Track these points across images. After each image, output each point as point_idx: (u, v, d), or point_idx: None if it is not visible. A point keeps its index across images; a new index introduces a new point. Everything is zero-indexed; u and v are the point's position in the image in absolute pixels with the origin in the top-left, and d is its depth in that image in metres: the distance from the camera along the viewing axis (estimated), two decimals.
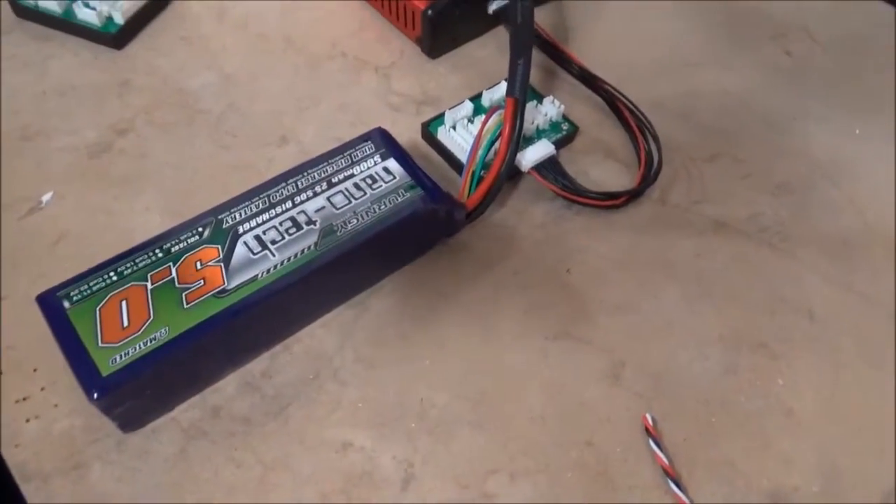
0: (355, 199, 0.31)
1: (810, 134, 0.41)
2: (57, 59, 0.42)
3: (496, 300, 0.33)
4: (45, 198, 0.35)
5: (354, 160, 0.32)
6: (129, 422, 0.28)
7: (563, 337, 0.32)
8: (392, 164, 0.32)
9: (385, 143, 0.33)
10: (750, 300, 0.34)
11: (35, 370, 0.30)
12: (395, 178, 0.32)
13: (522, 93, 0.34)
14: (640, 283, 0.34)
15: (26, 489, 0.27)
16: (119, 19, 0.42)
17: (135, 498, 0.27)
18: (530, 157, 0.36)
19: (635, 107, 0.40)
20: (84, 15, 0.42)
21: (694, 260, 0.35)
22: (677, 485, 0.28)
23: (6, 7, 0.43)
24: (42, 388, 0.29)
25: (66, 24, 0.42)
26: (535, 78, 0.41)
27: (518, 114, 0.34)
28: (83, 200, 0.35)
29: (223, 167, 0.37)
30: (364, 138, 0.33)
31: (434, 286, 0.33)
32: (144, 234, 0.30)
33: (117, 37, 0.42)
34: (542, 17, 0.46)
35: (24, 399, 0.29)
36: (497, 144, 0.35)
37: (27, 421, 0.29)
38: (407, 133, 0.39)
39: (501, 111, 0.35)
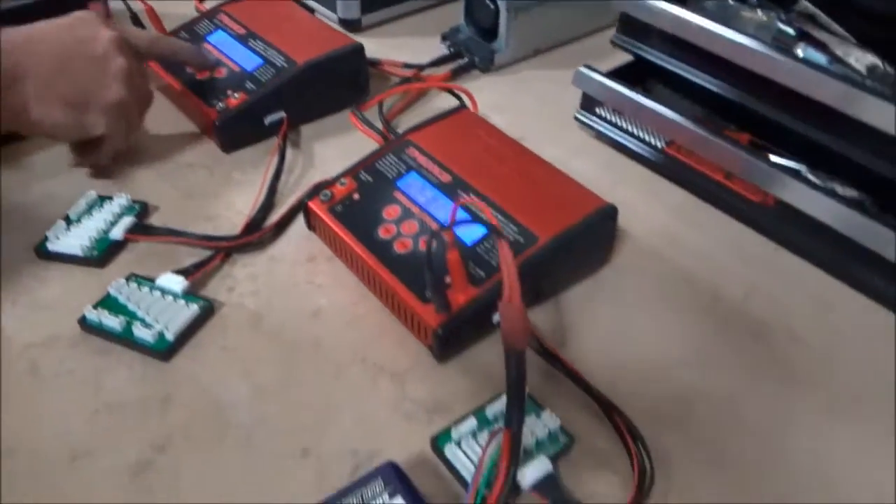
0: None
1: (799, 438, 0.44)
2: (111, 373, 0.47)
3: None
4: None
5: (365, 499, 0.36)
6: None
7: None
8: (398, 500, 0.35)
9: (394, 477, 0.36)
10: None
11: None
12: None
13: (518, 424, 0.38)
14: None
15: None
16: (170, 336, 0.48)
17: None
18: (529, 477, 0.39)
19: (628, 419, 0.43)
20: (140, 333, 0.48)
21: None
22: None
23: (74, 325, 0.50)
24: None
25: (124, 339, 0.48)
26: (533, 383, 0.44)
27: (514, 445, 0.37)
28: None
29: (249, 485, 0.41)
30: (374, 475, 0.37)
31: None
32: None
33: (166, 354, 0.48)
34: (539, 319, 0.51)
35: None
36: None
37: None
38: (418, 445, 0.42)
39: (499, 438, 0.38)
